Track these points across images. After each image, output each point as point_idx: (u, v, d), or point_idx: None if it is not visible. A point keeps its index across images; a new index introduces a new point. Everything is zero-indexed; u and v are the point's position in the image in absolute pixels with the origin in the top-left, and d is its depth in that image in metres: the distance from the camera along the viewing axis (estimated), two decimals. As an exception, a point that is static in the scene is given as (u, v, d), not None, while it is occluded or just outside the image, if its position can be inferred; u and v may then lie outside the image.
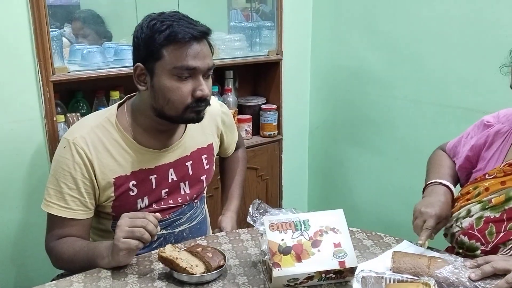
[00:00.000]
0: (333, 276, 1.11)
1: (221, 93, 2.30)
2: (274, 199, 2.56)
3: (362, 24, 2.32)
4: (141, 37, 1.26)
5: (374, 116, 2.34)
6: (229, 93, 2.29)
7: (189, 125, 1.45)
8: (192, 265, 1.15)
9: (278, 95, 2.44)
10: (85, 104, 1.91)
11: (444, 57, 1.99)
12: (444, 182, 1.32)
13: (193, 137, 1.47)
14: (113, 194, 1.33)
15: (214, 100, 1.59)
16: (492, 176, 1.24)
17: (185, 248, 1.21)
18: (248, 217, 1.22)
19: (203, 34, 1.25)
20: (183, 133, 1.44)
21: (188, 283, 1.14)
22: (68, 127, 1.70)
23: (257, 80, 2.54)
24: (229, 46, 2.28)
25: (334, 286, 1.13)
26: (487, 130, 1.35)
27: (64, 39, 1.94)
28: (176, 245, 1.26)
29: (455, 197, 1.31)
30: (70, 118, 1.79)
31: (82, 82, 1.82)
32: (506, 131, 1.30)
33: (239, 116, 2.35)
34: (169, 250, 1.16)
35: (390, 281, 1.06)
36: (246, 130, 2.37)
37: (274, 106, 2.42)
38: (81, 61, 1.88)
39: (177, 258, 1.13)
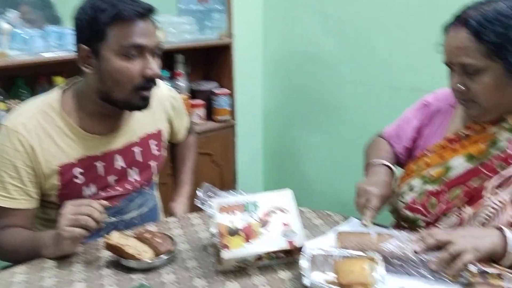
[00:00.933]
0: (283, 255, 1.12)
1: (171, 77, 2.26)
2: (228, 185, 2.55)
3: (313, 8, 2.32)
4: (83, 18, 1.21)
5: (326, 99, 2.37)
6: (180, 77, 2.26)
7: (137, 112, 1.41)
8: (140, 251, 1.13)
9: (230, 80, 2.42)
10: (27, 91, 1.83)
11: (390, 40, 2.03)
12: (386, 163, 1.33)
13: (141, 122, 1.44)
14: (58, 182, 1.29)
15: (162, 85, 1.56)
16: (432, 152, 1.27)
17: (132, 235, 1.19)
18: (196, 201, 1.20)
19: (148, 11, 1.22)
20: (130, 118, 1.40)
21: (137, 269, 1.12)
22: (10, 115, 1.62)
23: (209, 65, 2.51)
24: (179, 29, 2.24)
25: (284, 266, 1.13)
26: (426, 110, 1.37)
27: (4, 24, 1.85)
28: (124, 231, 1.23)
29: (399, 176, 1.34)
30: (11, 106, 1.72)
31: (23, 68, 1.75)
32: (444, 108, 1.34)
33: (191, 101, 2.32)
34: (115, 237, 1.13)
35: (338, 258, 1.07)
36: (198, 115, 2.34)
37: (227, 91, 2.40)
38: (23, 46, 1.80)
39: (123, 245, 1.11)
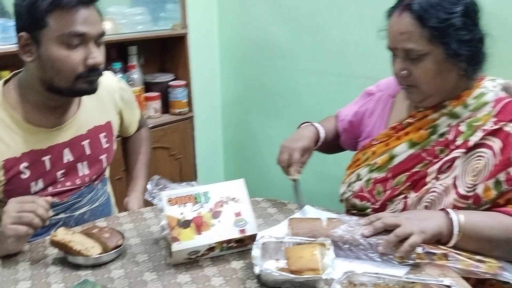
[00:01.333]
0: (235, 245, 1.11)
1: (125, 70, 2.21)
2: (188, 178, 2.51)
3: (267, -3, 2.32)
4: (22, 4, 1.16)
5: (282, 88, 2.37)
6: (133, 70, 2.21)
7: (84, 101, 1.37)
8: (87, 247, 1.10)
9: (186, 71, 2.39)
10: (-30, 86, 1.75)
11: (342, 28, 2.04)
12: (314, 123, 1.41)
13: (89, 114, 1.40)
14: (3, 178, 1.24)
15: (111, 76, 1.52)
16: (379, 141, 1.29)
17: (80, 230, 1.16)
18: (146, 194, 1.18)
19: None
20: (77, 110, 1.36)
21: (84, 265, 1.09)
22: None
23: (163, 56, 2.47)
24: (131, 20, 2.19)
25: (237, 255, 1.13)
26: (369, 99, 1.40)
27: None
28: (71, 228, 1.20)
29: (347, 165, 1.36)
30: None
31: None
32: (385, 98, 1.36)
33: (146, 94, 2.28)
34: (61, 234, 1.10)
35: (289, 245, 1.07)
36: (154, 108, 2.30)
37: (183, 83, 2.36)
38: (-37, 39, 1.72)
39: (69, 241, 1.08)
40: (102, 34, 1.22)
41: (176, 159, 2.44)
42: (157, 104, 2.31)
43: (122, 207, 1.56)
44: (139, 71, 2.25)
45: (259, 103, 2.52)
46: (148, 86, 2.33)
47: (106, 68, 2.10)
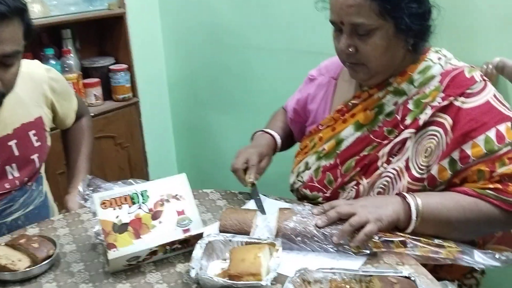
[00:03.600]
0: (179, 246, 1.02)
1: (59, 56, 2.04)
2: (139, 167, 2.39)
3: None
4: None
5: (232, 67, 2.26)
6: (69, 55, 2.04)
7: (6, 99, 1.23)
8: (13, 261, 0.98)
9: (128, 54, 2.23)
10: None
11: (288, 2, 1.95)
12: (268, 130, 1.35)
13: (14, 112, 1.26)
14: None
15: (39, 66, 1.38)
16: (325, 126, 1.22)
17: (4, 243, 1.03)
18: (77, 196, 1.07)
19: (1, 15, 1.02)
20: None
21: (12, 281, 0.98)
22: None
23: (101, 39, 2.30)
24: (62, 1, 2.02)
25: (183, 256, 1.04)
26: (311, 84, 1.34)
27: None
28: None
29: (296, 152, 1.29)
30: None
31: None
32: (327, 81, 1.29)
33: (85, 81, 2.12)
34: (-19, 249, 0.98)
35: (237, 244, 0.99)
36: (95, 95, 2.15)
37: (125, 66, 2.21)
38: None
39: (-8, 257, 0.96)
40: (8, 55, 1.06)
41: (123, 148, 2.31)
42: (97, 91, 2.15)
43: (63, 205, 1.44)
44: (75, 56, 2.09)
45: (208, 83, 2.40)
46: (87, 72, 2.17)
47: (37, 55, 1.97)
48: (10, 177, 1.25)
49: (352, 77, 1.17)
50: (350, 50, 1.08)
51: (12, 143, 1.25)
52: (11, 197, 1.26)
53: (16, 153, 1.26)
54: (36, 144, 1.32)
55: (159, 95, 2.56)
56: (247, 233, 1.04)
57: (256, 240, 0.99)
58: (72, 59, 2.05)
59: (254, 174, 1.21)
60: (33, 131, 1.31)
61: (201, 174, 2.57)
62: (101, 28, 2.25)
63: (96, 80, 2.14)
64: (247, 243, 0.98)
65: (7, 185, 1.25)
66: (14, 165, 1.26)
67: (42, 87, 1.36)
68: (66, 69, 2.03)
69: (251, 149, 1.26)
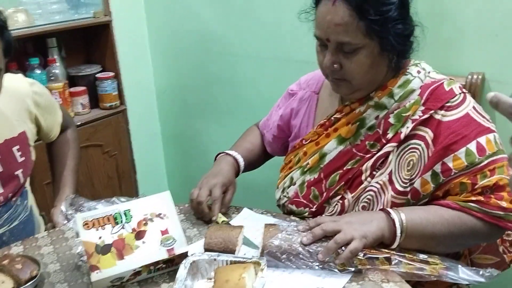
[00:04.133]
0: (164, 265, 1.01)
1: (44, 65, 2.01)
2: (127, 175, 2.37)
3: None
4: None
5: (219, 75, 2.25)
6: (54, 64, 2.01)
7: None
8: (-5, 284, 0.97)
9: (114, 62, 2.20)
10: None
11: (275, 10, 1.94)
12: (230, 152, 1.33)
13: None
14: None
15: (22, 80, 1.37)
16: (309, 141, 1.22)
17: (-15, 265, 1.02)
18: (59, 216, 1.05)
19: None
20: None
21: (-5, 305, 0.96)
22: None
23: (88, 47, 2.27)
24: (46, 10, 1.99)
25: (167, 275, 1.03)
26: (292, 99, 1.33)
27: None
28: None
29: (280, 167, 1.28)
30: None
31: None
32: (308, 96, 1.29)
33: (71, 89, 2.09)
34: (-39, 272, 0.96)
35: (222, 263, 0.98)
36: (82, 104, 2.12)
37: (111, 74, 2.19)
38: None
39: (-28, 281, 0.94)
40: None
41: (111, 156, 2.29)
42: (84, 99, 2.13)
43: (50, 218, 1.42)
44: (61, 65, 2.06)
45: (196, 90, 2.39)
46: (73, 80, 2.15)
47: (23, 65, 1.95)
48: (-7, 193, 1.24)
49: (335, 91, 1.16)
50: (335, 66, 1.07)
51: None
52: (-6, 213, 1.25)
53: (0, 169, 1.25)
54: (20, 159, 1.31)
55: (147, 103, 2.54)
56: (232, 251, 1.03)
57: (241, 259, 0.98)
58: (58, 68, 2.03)
59: (218, 210, 1.18)
60: (17, 147, 1.30)
61: (189, 181, 2.55)
62: (87, 36, 2.22)
63: (82, 88, 2.12)
64: (232, 262, 0.97)
65: (-10, 201, 1.24)
66: None
67: (25, 102, 1.34)
68: (51, 78, 2.00)
69: (214, 180, 1.21)
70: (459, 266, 1.00)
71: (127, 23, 2.30)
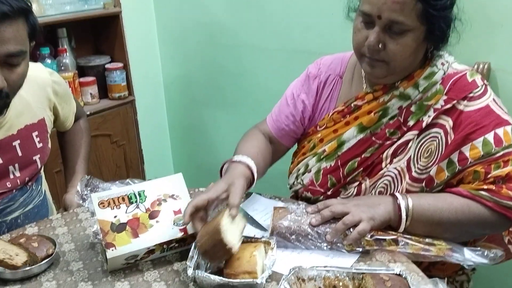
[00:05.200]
0: (176, 245, 1.04)
1: (55, 55, 2.04)
2: (135, 165, 2.41)
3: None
4: None
5: (226, 67, 2.28)
6: (64, 54, 2.05)
7: (13, 100, 1.24)
8: (11, 255, 1.00)
9: (123, 53, 2.24)
10: None
11: (283, 1, 1.96)
12: (242, 160, 1.15)
13: (20, 114, 1.28)
14: None
15: (42, 69, 1.40)
16: (323, 127, 1.21)
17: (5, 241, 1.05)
18: (76, 196, 1.08)
19: (3, 15, 1.02)
20: (5, 111, 1.22)
21: (13, 280, 0.99)
22: None
23: (97, 38, 2.31)
24: (57, 1, 2.02)
25: (180, 254, 1.06)
26: (313, 82, 1.26)
27: None
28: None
29: (293, 152, 1.29)
30: None
31: None
32: (333, 79, 1.25)
33: (81, 79, 2.13)
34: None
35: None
36: (91, 94, 2.16)
37: (120, 65, 2.22)
38: None
39: (-10, 252, 0.97)
40: (14, 54, 1.05)
41: (119, 146, 2.32)
42: (93, 89, 2.16)
43: (61, 204, 1.45)
44: (71, 55, 2.09)
45: (204, 81, 2.41)
46: (82, 71, 2.18)
47: (33, 55, 1.97)
48: (11, 176, 1.27)
49: (367, 72, 1.13)
50: (380, 46, 1.05)
51: (16, 143, 1.27)
52: (11, 196, 1.28)
53: (19, 153, 1.28)
54: (39, 145, 1.34)
55: (155, 94, 2.57)
56: (222, 241, 0.92)
57: (252, 239, 1.01)
58: (67, 58, 2.06)
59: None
60: (36, 133, 1.33)
61: (196, 172, 2.59)
62: (97, 26, 2.25)
63: (92, 78, 2.15)
64: (243, 242, 1.00)
65: (8, 184, 1.26)
66: (16, 165, 1.27)
67: (46, 90, 1.37)
68: (62, 68, 2.04)
69: (229, 184, 1.06)
70: (464, 248, 1.02)
71: (136, 15, 2.33)
